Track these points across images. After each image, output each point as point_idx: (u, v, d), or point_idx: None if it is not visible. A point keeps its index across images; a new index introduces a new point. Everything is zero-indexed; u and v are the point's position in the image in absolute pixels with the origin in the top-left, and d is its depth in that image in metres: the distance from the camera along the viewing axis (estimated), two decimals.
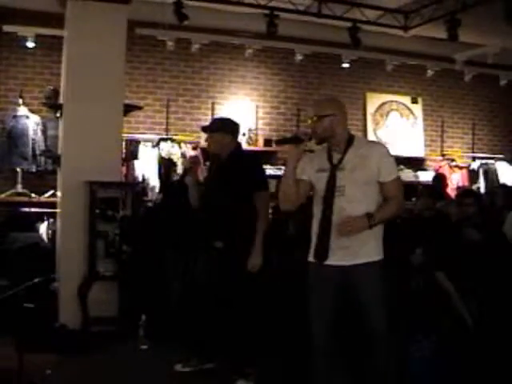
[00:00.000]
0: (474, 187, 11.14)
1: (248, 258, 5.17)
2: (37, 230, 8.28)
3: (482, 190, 11.06)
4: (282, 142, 4.45)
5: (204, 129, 5.64)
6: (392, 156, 4.25)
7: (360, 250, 4.12)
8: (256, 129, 10.57)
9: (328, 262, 4.16)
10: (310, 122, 4.28)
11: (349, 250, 4.11)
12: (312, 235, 4.29)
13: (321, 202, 4.19)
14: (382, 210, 4.13)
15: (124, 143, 7.71)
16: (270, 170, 10.09)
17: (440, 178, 8.76)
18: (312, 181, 4.27)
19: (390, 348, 4.18)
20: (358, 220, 4.05)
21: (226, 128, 5.38)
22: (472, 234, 6.03)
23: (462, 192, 7.87)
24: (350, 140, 4.20)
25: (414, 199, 7.38)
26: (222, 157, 5.40)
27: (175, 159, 9.55)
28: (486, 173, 11.55)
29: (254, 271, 5.19)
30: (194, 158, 5.70)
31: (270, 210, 8.02)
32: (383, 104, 11.50)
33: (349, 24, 9.02)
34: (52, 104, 7.92)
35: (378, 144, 4.53)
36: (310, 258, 4.28)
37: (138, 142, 9.38)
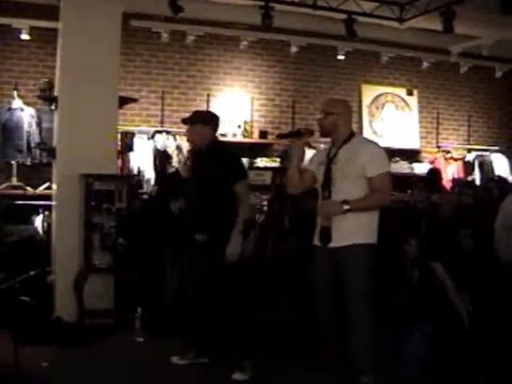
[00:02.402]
0: (470, 179, 11.16)
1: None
2: (32, 223, 8.26)
3: (478, 182, 11.08)
4: (283, 136, 5.17)
5: (184, 121, 5.72)
6: (383, 154, 4.70)
7: (347, 233, 4.56)
8: (251, 121, 10.56)
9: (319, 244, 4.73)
10: (319, 116, 4.82)
11: (336, 232, 4.58)
12: (316, 222, 4.79)
13: (320, 191, 4.72)
14: (360, 199, 4.56)
15: (119, 135, 7.68)
16: (265, 162, 10.13)
17: (435, 173, 8.77)
18: (315, 172, 4.83)
19: (369, 335, 4.53)
20: (334, 203, 4.56)
21: (205, 120, 5.48)
22: (466, 242, 6.08)
23: (462, 183, 7.92)
24: (349, 138, 4.71)
25: (409, 191, 7.40)
26: (201, 148, 5.48)
27: (170, 151, 9.55)
28: (481, 165, 11.57)
29: (232, 260, 5.23)
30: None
31: (266, 203, 8.09)
32: (378, 96, 11.50)
33: (344, 16, 9.00)
34: (47, 96, 7.91)
35: (370, 143, 4.89)
36: (314, 241, 4.79)
37: (133, 135, 9.36)
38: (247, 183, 5.49)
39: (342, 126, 4.70)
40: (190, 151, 5.86)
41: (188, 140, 5.70)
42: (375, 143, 4.89)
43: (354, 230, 4.55)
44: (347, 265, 4.53)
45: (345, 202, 4.48)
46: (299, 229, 6.80)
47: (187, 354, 5.52)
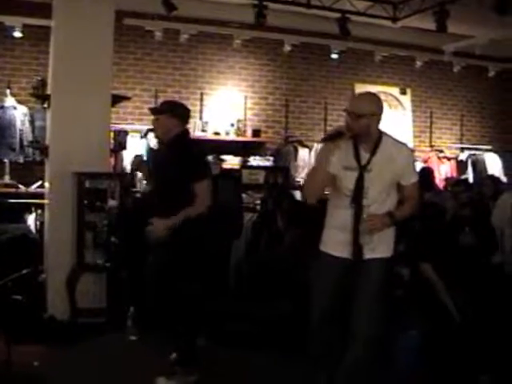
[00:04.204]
0: (463, 178, 11.18)
1: (186, 249, 5.02)
2: (25, 222, 8.25)
3: (471, 181, 11.10)
4: (328, 139, 4.23)
5: (151, 110, 5.52)
6: (414, 158, 4.39)
7: (373, 246, 4.18)
8: (244, 119, 10.56)
9: (344, 256, 4.23)
10: (346, 115, 4.20)
11: (368, 245, 4.17)
12: (329, 230, 4.35)
13: (346, 200, 4.18)
14: (401, 209, 4.23)
15: (112, 134, 7.66)
16: (258, 161, 10.12)
17: (427, 172, 8.78)
18: (337, 176, 4.24)
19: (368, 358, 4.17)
20: (382, 218, 4.12)
21: (172, 111, 5.16)
22: (467, 238, 6.09)
23: (453, 182, 7.98)
24: (379, 139, 4.17)
25: None
26: (165, 141, 5.22)
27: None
28: (474, 164, 11.60)
29: (152, 236, 4.98)
30: (139, 157, 5.57)
31: (259, 201, 8.08)
32: None
33: (338, 15, 9.01)
34: (39, 95, 7.87)
35: (405, 147, 4.37)
36: (324, 249, 4.35)
37: (126, 133, 9.32)
38: (206, 184, 5.07)
39: (374, 128, 4.16)
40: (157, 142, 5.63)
41: (154, 132, 5.40)
42: (406, 145, 4.44)
43: (381, 243, 4.21)
44: (368, 278, 4.17)
45: (390, 214, 4.14)
46: (296, 227, 6.82)
47: (175, 374, 5.18)
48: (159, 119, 5.19)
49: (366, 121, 4.07)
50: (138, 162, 5.50)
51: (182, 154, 5.09)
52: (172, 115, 5.12)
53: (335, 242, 4.28)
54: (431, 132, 12.01)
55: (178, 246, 4.97)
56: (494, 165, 11.67)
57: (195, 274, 5.16)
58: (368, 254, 4.18)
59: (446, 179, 11.00)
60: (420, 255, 5.59)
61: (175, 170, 5.03)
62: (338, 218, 4.27)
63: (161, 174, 5.22)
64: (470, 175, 11.46)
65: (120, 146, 7.91)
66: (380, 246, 4.21)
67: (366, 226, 4.10)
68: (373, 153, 4.14)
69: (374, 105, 4.21)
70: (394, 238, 4.33)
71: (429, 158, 11.52)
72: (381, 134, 4.20)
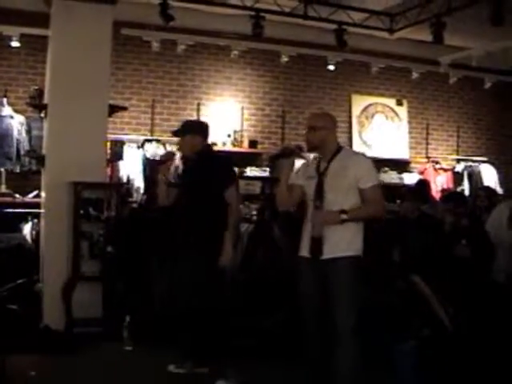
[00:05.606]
0: (459, 189, 11.19)
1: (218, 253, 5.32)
2: (20, 231, 8.23)
3: (467, 193, 11.11)
4: (275, 157, 4.90)
5: (175, 133, 5.85)
6: (373, 166, 4.74)
7: (337, 245, 4.51)
8: (241, 130, 10.56)
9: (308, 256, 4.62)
10: (306, 132, 4.76)
11: (327, 244, 4.51)
12: (303, 234, 4.73)
13: (311, 205, 4.65)
14: (356, 209, 4.59)
15: (109, 144, 7.67)
16: (255, 172, 10.13)
17: (423, 184, 8.78)
18: (304, 186, 4.76)
19: (355, 350, 4.44)
20: (330, 213, 4.53)
21: (195, 130, 5.57)
22: (462, 250, 6.12)
23: (444, 198, 7.96)
24: (337, 151, 4.70)
25: (398, 201, 7.43)
26: (191, 157, 5.58)
27: None
28: (470, 175, 11.62)
29: (224, 265, 5.38)
30: (169, 153, 5.80)
31: (255, 212, 8.08)
32: (368, 106, 11.53)
33: (334, 26, 9.02)
34: (37, 104, 7.88)
35: (361, 155, 4.94)
36: (300, 253, 4.72)
37: (122, 143, 9.34)
38: (235, 190, 5.53)
39: (330, 141, 4.70)
40: (181, 159, 5.94)
41: (180, 151, 5.80)
42: (364, 155, 4.96)
43: (345, 242, 4.52)
44: (336, 278, 4.47)
45: (342, 211, 4.47)
46: (290, 237, 6.82)
47: (184, 362, 5.48)
48: (184, 140, 5.58)
49: (321, 133, 4.67)
50: (169, 157, 5.69)
51: (212, 162, 5.51)
52: (195, 133, 5.53)
53: (305, 245, 4.68)
54: (427, 143, 12.03)
55: (203, 260, 5.30)
56: (489, 176, 11.71)
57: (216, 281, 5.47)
58: (329, 254, 4.51)
59: (443, 190, 11.01)
60: (412, 267, 5.62)
61: (206, 177, 5.38)
62: (307, 223, 4.70)
63: (192, 188, 5.48)
64: (465, 186, 11.48)
65: (116, 156, 7.92)
66: (344, 244, 4.52)
67: (317, 219, 4.53)
68: (329, 161, 4.66)
69: (328, 120, 4.85)
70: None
71: (425, 169, 11.53)
72: (340, 147, 4.77)
